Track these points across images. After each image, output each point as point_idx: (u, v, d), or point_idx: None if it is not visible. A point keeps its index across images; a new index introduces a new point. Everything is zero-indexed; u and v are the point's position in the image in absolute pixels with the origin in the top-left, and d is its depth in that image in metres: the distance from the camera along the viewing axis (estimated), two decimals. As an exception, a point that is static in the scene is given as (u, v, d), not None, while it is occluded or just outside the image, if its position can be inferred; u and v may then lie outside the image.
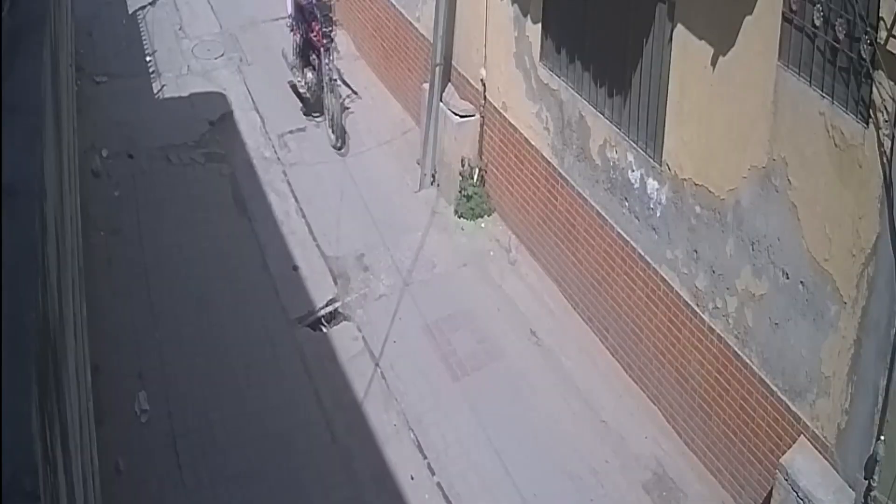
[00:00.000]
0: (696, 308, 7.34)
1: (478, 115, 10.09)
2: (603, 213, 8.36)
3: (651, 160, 7.70)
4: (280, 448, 7.91)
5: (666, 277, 7.63)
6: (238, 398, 8.35)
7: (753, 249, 6.74)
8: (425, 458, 7.92)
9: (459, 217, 10.17)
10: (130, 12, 14.01)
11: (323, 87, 11.40)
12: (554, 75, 8.80)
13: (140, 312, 9.15)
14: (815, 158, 6.13)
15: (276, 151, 11.41)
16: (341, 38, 13.23)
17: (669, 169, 7.51)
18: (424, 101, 10.61)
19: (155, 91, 12.47)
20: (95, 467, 6.36)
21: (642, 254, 7.92)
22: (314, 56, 11.47)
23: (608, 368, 8.42)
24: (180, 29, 13.71)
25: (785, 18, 6.20)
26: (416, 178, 10.77)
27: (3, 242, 3.23)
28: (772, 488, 6.70)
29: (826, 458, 6.34)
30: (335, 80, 11.46)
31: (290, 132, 11.70)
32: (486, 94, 9.91)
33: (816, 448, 6.40)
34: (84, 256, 8.52)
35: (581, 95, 8.48)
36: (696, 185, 7.25)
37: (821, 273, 6.21)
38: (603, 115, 8.24)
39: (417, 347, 8.86)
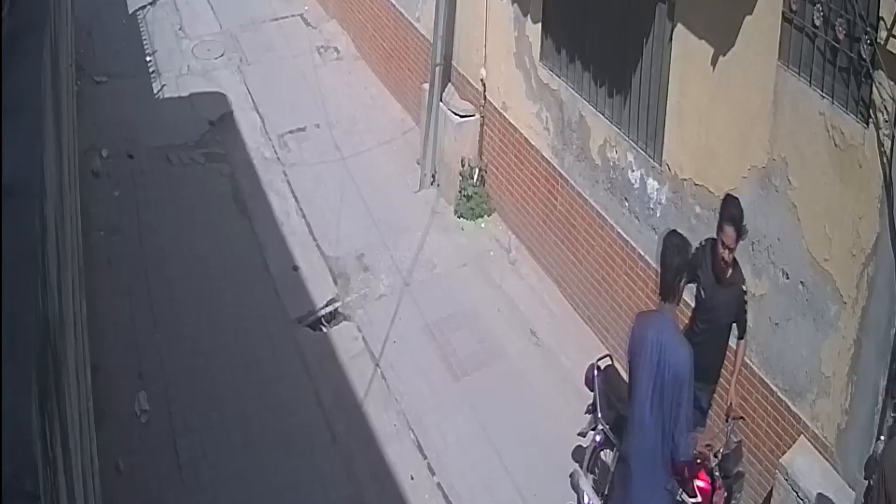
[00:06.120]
0: (696, 308, 7.34)
1: (478, 115, 10.09)
2: (603, 213, 8.36)
3: (651, 160, 7.70)
4: (280, 448, 7.90)
5: (666, 277, 7.62)
6: (238, 398, 8.34)
7: (753, 249, 6.74)
8: (425, 458, 7.92)
9: (459, 217, 10.17)
10: (130, 12, 14.00)
11: None
12: (554, 75, 8.80)
13: (140, 312, 9.14)
14: (815, 158, 6.13)
15: (276, 151, 11.41)
16: (341, 38, 13.26)
17: (669, 169, 7.51)
18: (424, 101, 10.61)
19: (155, 91, 12.46)
20: (95, 467, 6.36)
21: (642, 254, 7.92)
22: None
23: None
24: (180, 29, 13.71)
25: (785, 18, 6.20)
26: (416, 178, 10.77)
27: (3, 242, 3.23)
28: (772, 488, 6.70)
29: (826, 458, 6.34)
30: None
31: (290, 132, 11.69)
32: (486, 94, 9.91)
33: (816, 448, 6.40)
34: (84, 256, 8.51)
35: (581, 95, 8.48)
36: (696, 185, 7.25)
37: (821, 273, 6.20)
38: (603, 115, 8.24)
39: (417, 347, 8.86)
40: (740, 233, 6.31)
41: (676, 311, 6.20)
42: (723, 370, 6.83)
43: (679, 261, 5.94)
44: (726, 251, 6.37)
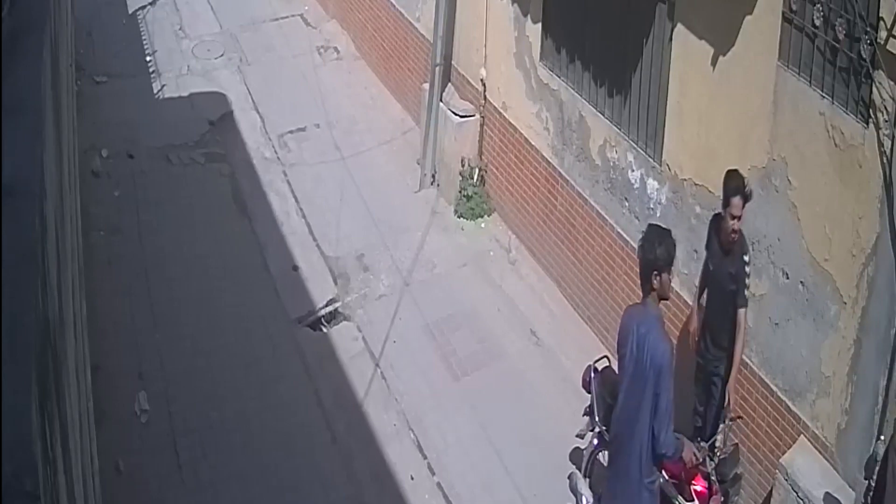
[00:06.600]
0: (697, 308, 7.34)
1: (478, 115, 10.09)
2: (603, 213, 8.36)
3: (651, 160, 7.70)
4: (280, 448, 7.90)
5: (666, 277, 7.62)
6: (238, 398, 8.35)
7: (753, 249, 6.74)
8: (425, 458, 7.92)
9: (459, 217, 10.17)
10: (130, 12, 14.00)
11: None
12: (554, 75, 8.80)
13: (140, 312, 9.14)
14: (815, 158, 6.13)
15: (276, 151, 11.41)
16: (341, 38, 13.26)
17: (669, 169, 7.51)
18: (424, 101, 10.61)
19: (155, 91, 12.46)
20: (95, 467, 6.36)
21: (642, 254, 7.91)
22: None
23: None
24: (180, 29, 13.71)
25: (785, 18, 6.20)
26: (416, 178, 10.77)
27: (3, 242, 3.23)
28: (772, 488, 6.70)
29: (826, 458, 6.34)
30: None
31: (290, 132, 11.69)
32: (486, 94, 9.91)
33: (816, 448, 6.40)
34: (84, 256, 8.51)
35: (581, 95, 8.48)
36: (696, 185, 7.25)
37: (821, 273, 6.21)
38: (603, 115, 8.24)
39: (417, 347, 8.86)
40: (746, 200, 6.44)
41: (660, 305, 6.19)
42: (724, 371, 6.86)
43: (650, 256, 5.96)
44: (735, 221, 6.51)
